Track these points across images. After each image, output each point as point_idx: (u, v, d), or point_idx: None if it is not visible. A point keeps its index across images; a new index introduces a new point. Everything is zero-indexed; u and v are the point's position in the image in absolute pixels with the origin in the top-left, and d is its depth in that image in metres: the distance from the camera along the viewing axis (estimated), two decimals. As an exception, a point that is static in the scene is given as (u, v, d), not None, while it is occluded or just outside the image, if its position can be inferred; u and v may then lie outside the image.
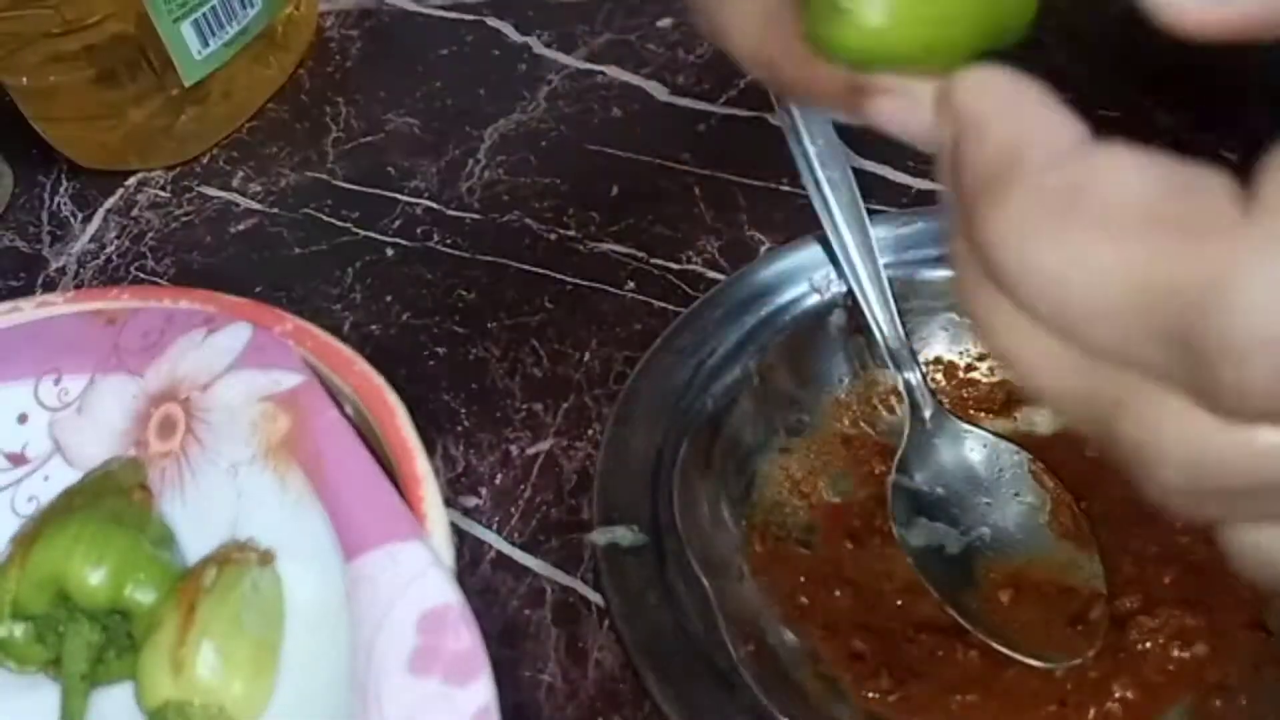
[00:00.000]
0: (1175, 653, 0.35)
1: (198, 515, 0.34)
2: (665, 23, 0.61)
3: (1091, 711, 0.35)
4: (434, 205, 0.53)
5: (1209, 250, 0.16)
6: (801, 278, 0.44)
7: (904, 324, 0.42)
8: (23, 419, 0.37)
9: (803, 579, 0.39)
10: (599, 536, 0.37)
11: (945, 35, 0.20)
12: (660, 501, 0.39)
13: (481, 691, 0.27)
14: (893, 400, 0.43)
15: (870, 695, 0.36)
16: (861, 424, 0.43)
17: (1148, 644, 0.36)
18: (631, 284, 0.48)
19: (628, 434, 0.40)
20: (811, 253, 0.44)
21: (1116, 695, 0.35)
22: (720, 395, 0.42)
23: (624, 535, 0.38)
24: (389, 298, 0.49)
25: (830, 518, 0.41)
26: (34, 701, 0.32)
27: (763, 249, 0.49)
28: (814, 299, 0.43)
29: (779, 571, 0.40)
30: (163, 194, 0.56)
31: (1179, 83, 0.51)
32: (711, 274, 0.48)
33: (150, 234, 0.54)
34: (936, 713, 0.36)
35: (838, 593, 0.39)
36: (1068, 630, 0.36)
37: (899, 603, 0.39)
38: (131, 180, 0.56)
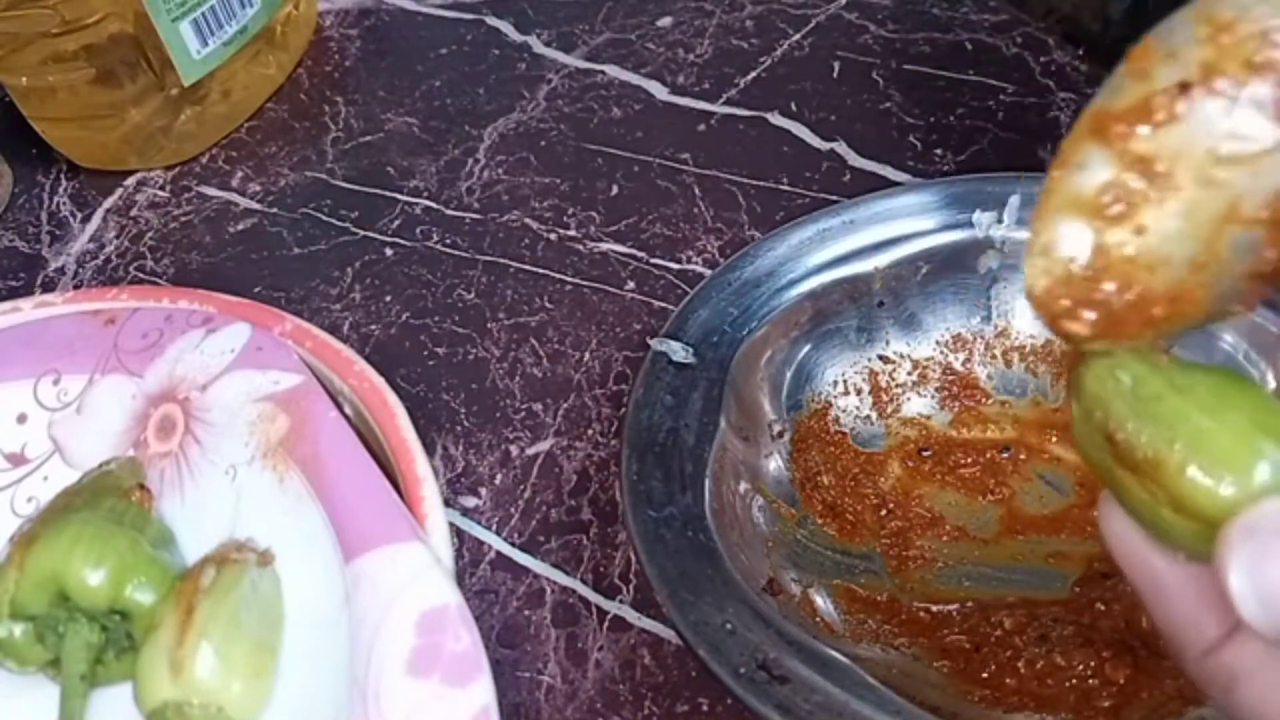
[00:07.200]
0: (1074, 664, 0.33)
1: (197, 515, 0.34)
2: (665, 22, 0.61)
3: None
4: (433, 205, 0.53)
5: None
6: (961, 209, 0.42)
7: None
8: (22, 419, 0.36)
9: (840, 468, 0.39)
10: (657, 343, 0.39)
11: None
12: (728, 334, 0.40)
13: (481, 692, 0.27)
14: (1015, 357, 0.42)
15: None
16: (975, 365, 0.42)
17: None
18: (631, 284, 0.48)
19: (729, 276, 0.41)
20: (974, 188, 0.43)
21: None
22: (830, 285, 0.41)
23: (677, 350, 0.39)
24: (389, 298, 0.49)
25: (902, 433, 0.41)
26: (34, 701, 0.32)
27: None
28: (969, 235, 0.42)
29: (818, 450, 0.39)
30: (162, 194, 0.56)
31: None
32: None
33: (149, 234, 0.54)
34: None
35: (868, 491, 0.39)
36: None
37: (914, 530, 0.38)
38: (130, 180, 0.56)
